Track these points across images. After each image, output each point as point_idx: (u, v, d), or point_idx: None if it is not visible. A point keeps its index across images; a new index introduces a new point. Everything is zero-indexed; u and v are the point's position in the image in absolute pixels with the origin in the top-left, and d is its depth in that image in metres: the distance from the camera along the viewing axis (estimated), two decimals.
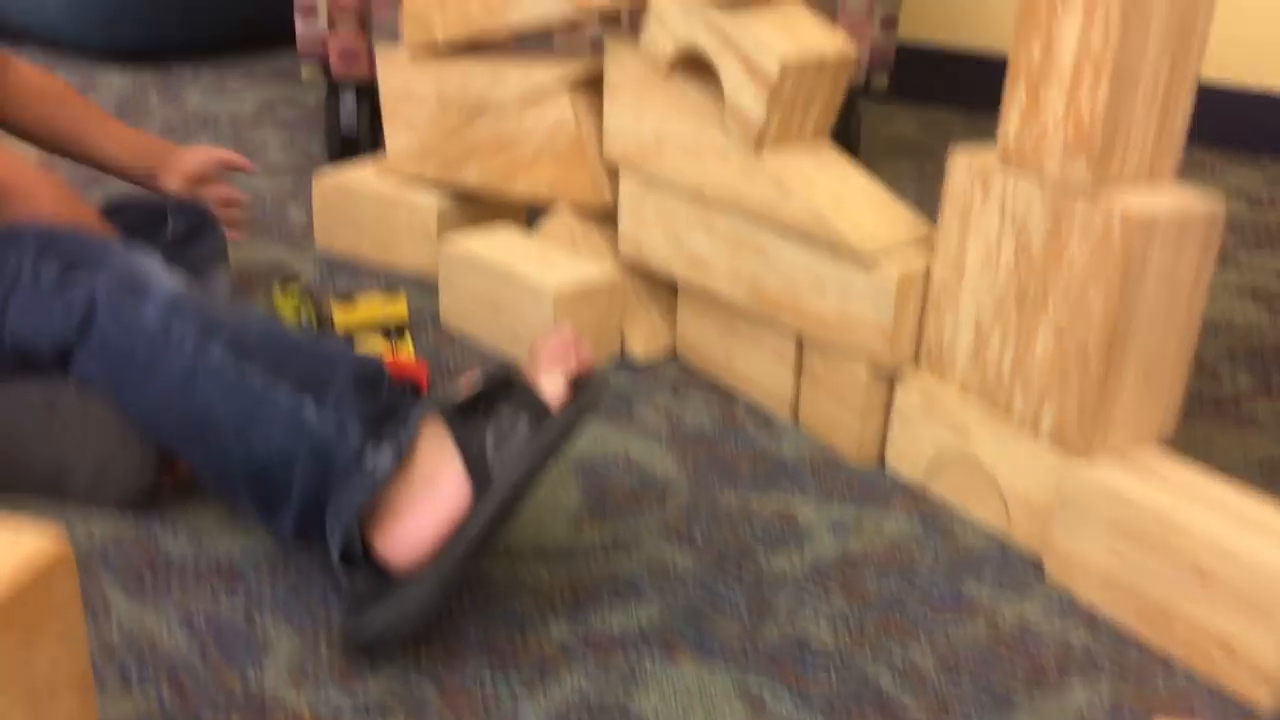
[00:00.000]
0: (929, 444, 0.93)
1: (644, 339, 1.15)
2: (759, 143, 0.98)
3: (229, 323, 0.78)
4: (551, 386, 0.74)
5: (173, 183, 1.14)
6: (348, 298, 1.15)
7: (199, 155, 1.15)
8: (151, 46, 2.18)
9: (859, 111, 1.74)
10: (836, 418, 0.99)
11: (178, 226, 1.04)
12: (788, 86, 0.96)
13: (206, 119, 1.86)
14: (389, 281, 1.28)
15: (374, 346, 1.06)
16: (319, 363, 0.76)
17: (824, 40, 0.99)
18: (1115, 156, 0.78)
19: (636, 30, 1.06)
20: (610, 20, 1.08)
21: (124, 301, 0.78)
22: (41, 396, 0.83)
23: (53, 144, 1.10)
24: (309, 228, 1.40)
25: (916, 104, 2.23)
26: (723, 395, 1.08)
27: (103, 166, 1.12)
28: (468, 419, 0.74)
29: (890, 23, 1.64)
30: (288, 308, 1.11)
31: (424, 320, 1.19)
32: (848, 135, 1.70)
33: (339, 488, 0.73)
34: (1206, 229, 0.79)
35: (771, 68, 0.94)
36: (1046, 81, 0.80)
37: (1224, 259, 1.49)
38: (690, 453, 0.97)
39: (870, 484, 0.95)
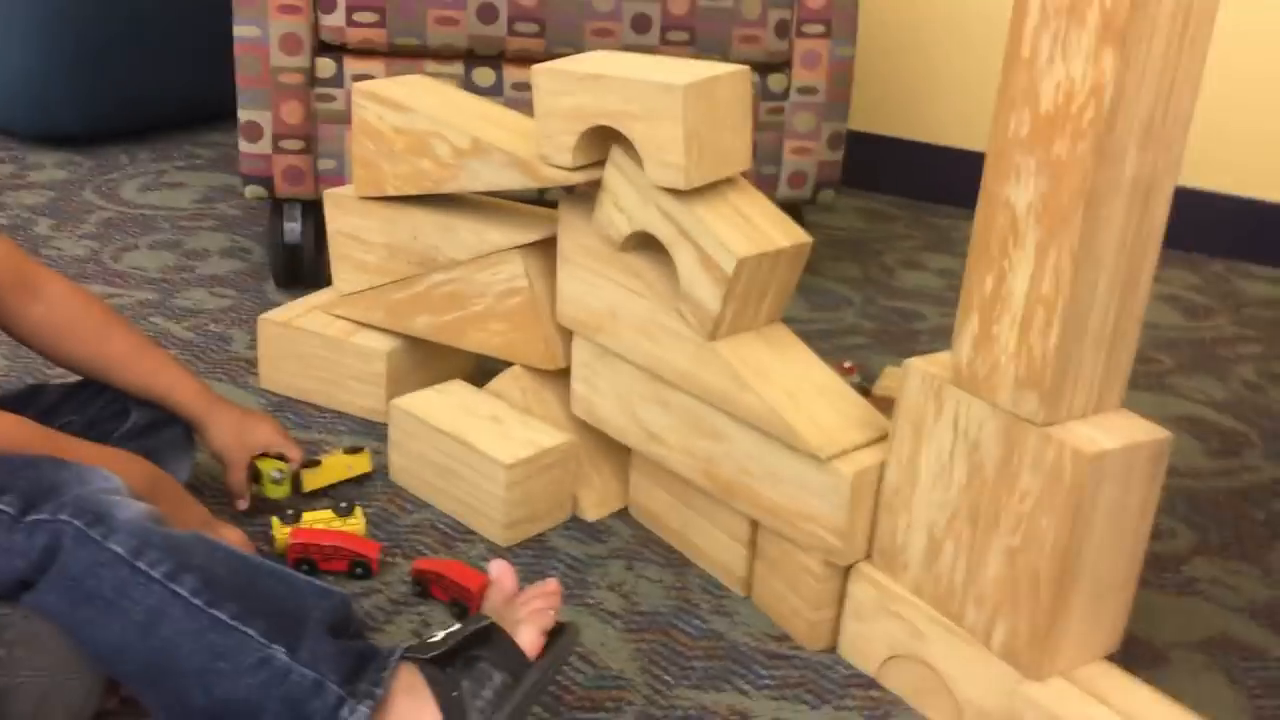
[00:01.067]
0: (882, 641, 0.94)
1: (596, 502, 1.15)
2: (713, 332, 0.98)
3: (198, 557, 0.77)
4: (528, 635, 0.75)
5: (219, 441, 1.05)
6: (313, 462, 1.13)
7: (260, 436, 1.08)
8: (88, 129, 2.13)
9: (804, 220, 1.75)
10: (789, 602, 1.00)
11: (140, 418, 1.01)
12: (743, 280, 0.96)
13: (144, 219, 1.83)
14: (334, 425, 1.26)
15: (325, 521, 1.05)
16: (291, 603, 0.76)
17: (780, 231, 0.99)
18: (1065, 393, 0.80)
19: (591, 199, 1.06)
20: (564, 189, 1.08)
21: (89, 534, 0.76)
22: None
23: (93, 376, 1.04)
24: (251, 359, 1.38)
25: (861, 193, 2.25)
26: (676, 566, 1.08)
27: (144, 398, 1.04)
28: (443, 668, 0.74)
29: (837, 141, 1.66)
30: (269, 467, 1.08)
31: (373, 477, 1.17)
32: None
33: None
34: (1153, 460, 0.81)
35: (728, 264, 0.95)
36: (998, 316, 0.81)
37: (1160, 385, 1.52)
38: (646, 642, 0.97)
39: (823, 676, 0.95)
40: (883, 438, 0.95)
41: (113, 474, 0.83)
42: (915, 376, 0.88)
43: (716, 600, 1.04)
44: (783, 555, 1.00)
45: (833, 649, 0.98)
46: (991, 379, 0.82)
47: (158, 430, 1.03)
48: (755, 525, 1.02)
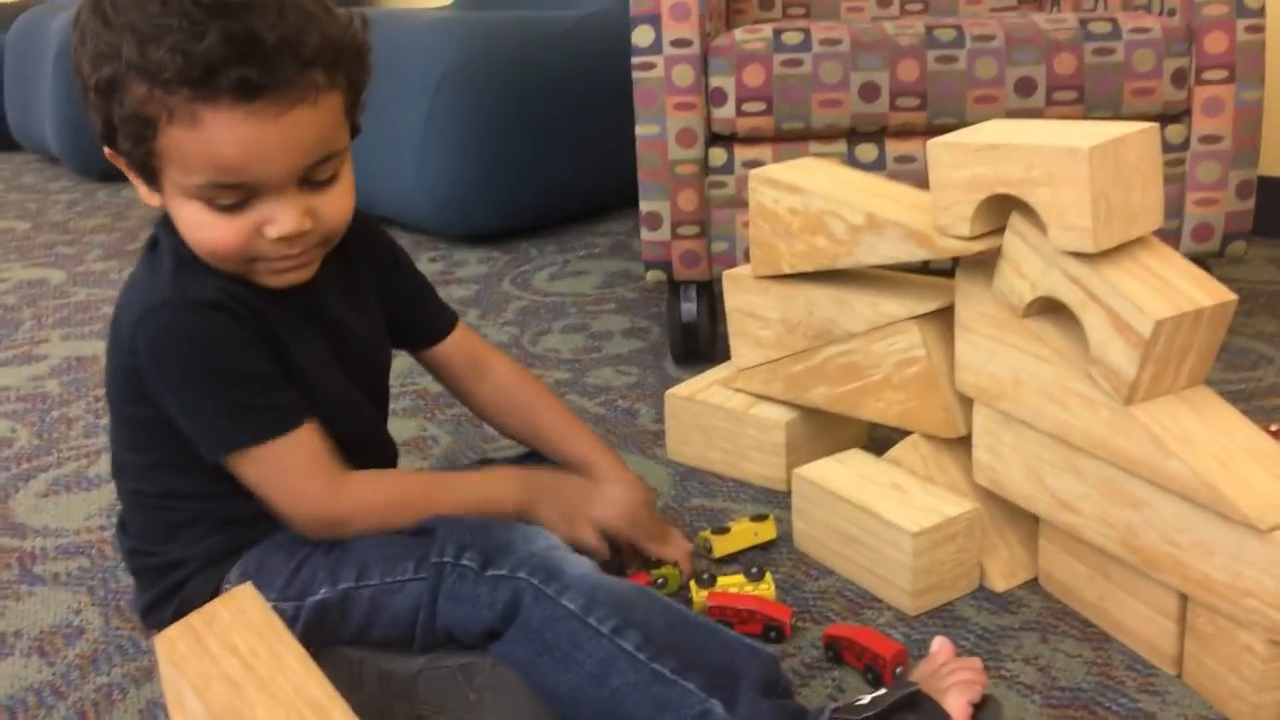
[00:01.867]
0: None
1: (1004, 572, 1.13)
2: (1130, 397, 0.95)
3: (640, 612, 0.84)
4: (955, 704, 0.76)
5: (603, 513, 1.05)
6: (722, 528, 1.20)
7: (646, 529, 1.08)
8: (503, 228, 2.39)
9: (1212, 275, 1.64)
10: (1229, 684, 0.93)
11: None
12: (1161, 342, 0.93)
13: (554, 305, 2.01)
14: (738, 493, 1.33)
15: (738, 585, 1.10)
16: (725, 658, 0.81)
17: (1200, 288, 0.95)
18: None
19: (989, 267, 1.06)
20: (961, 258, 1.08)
21: (545, 591, 0.85)
22: (459, 663, 0.92)
23: (529, 445, 1.16)
24: (656, 432, 1.47)
25: (1274, 241, 2.08)
26: (1094, 639, 1.04)
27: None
28: None
29: (1246, 189, 1.55)
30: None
31: (778, 544, 1.22)
32: None
33: None
34: None
35: (1144, 327, 0.92)
36: None
37: None
38: (1069, 718, 0.94)
39: None
40: None
41: (552, 534, 0.93)
42: None
43: (1143, 678, 0.99)
44: (1218, 632, 0.93)
45: None
46: None
47: None
48: (1184, 598, 0.97)
